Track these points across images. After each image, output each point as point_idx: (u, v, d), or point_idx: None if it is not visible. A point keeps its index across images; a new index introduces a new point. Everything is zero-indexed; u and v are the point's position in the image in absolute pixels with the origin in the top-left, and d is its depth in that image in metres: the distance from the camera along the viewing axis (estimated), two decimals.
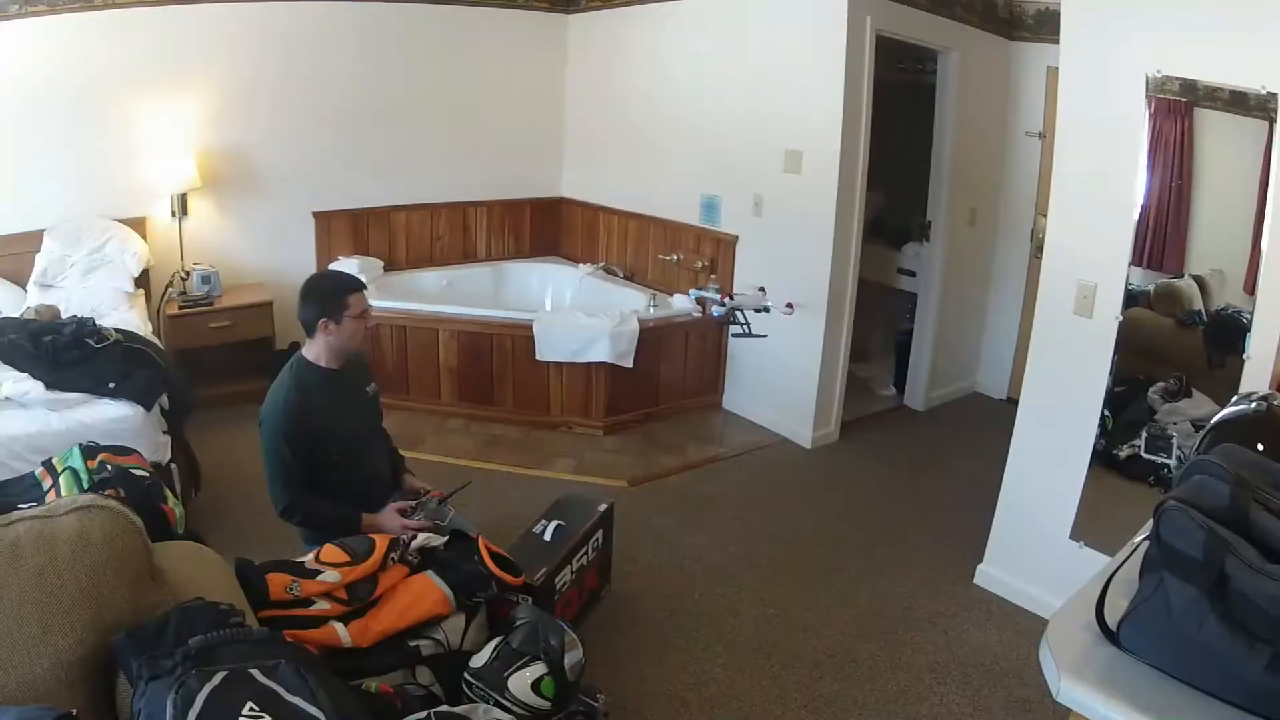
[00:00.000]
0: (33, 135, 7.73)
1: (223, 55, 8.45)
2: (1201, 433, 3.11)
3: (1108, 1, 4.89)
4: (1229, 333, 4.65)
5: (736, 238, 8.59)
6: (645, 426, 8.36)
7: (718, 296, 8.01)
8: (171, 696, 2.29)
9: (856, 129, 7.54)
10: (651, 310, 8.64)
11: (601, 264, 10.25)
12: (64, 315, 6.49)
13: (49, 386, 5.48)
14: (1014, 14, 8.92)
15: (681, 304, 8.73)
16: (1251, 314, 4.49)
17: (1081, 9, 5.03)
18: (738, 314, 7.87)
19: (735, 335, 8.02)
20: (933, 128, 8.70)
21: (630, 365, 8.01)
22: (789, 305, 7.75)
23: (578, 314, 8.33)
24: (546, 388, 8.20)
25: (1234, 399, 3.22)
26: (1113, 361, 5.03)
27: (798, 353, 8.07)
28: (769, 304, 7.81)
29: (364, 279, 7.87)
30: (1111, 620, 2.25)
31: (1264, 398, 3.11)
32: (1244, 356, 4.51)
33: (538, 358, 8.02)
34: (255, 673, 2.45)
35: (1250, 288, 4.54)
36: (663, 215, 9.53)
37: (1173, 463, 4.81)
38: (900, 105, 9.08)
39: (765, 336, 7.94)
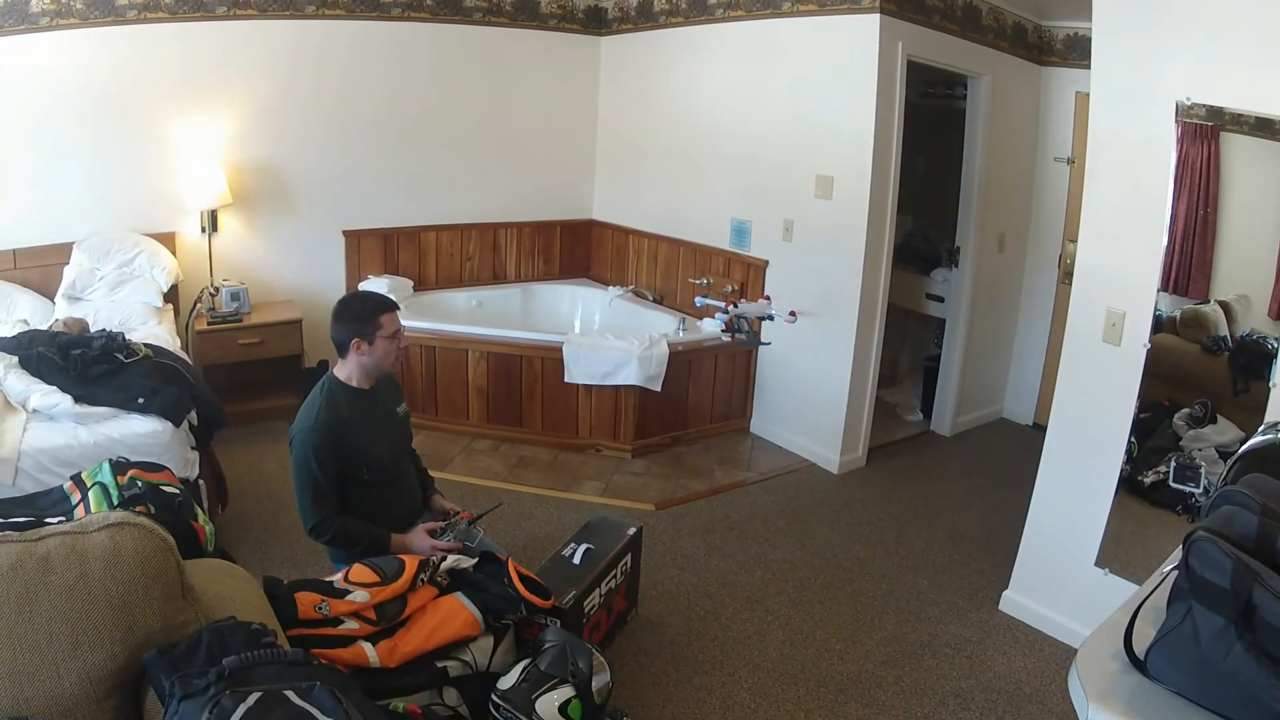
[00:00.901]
0: (63, 147, 7.78)
1: (254, 71, 8.51)
2: (1229, 462, 3.11)
3: (1139, 28, 4.89)
4: (1254, 359, 4.66)
5: (766, 262, 8.56)
6: (673, 450, 8.35)
7: (721, 304, 8.07)
8: (205, 716, 2.30)
9: (887, 154, 7.55)
10: (681, 334, 8.67)
11: (631, 286, 10.25)
12: (92, 328, 6.52)
13: (77, 400, 5.50)
14: (1043, 39, 8.95)
15: (710, 328, 8.71)
16: (1277, 340, 4.51)
17: (1113, 36, 5.04)
18: (741, 322, 7.94)
19: (740, 345, 8.08)
20: (962, 152, 8.70)
21: (659, 389, 8.02)
22: (792, 313, 7.80)
23: (607, 336, 8.30)
24: (575, 410, 8.20)
25: (1261, 428, 3.23)
26: (1140, 387, 5.03)
27: (826, 377, 8.07)
28: (773, 312, 7.88)
29: (394, 298, 7.98)
30: (1139, 649, 2.26)
31: None
32: (1270, 384, 4.50)
33: (567, 380, 8.04)
34: (290, 694, 2.46)
35: (1275, 313, 4.55)
36: (693, 239, 9.52)
37: (1199, 492, 4.80)
38: (929, 130, 9.15)
39: (769, 344, 8.07)
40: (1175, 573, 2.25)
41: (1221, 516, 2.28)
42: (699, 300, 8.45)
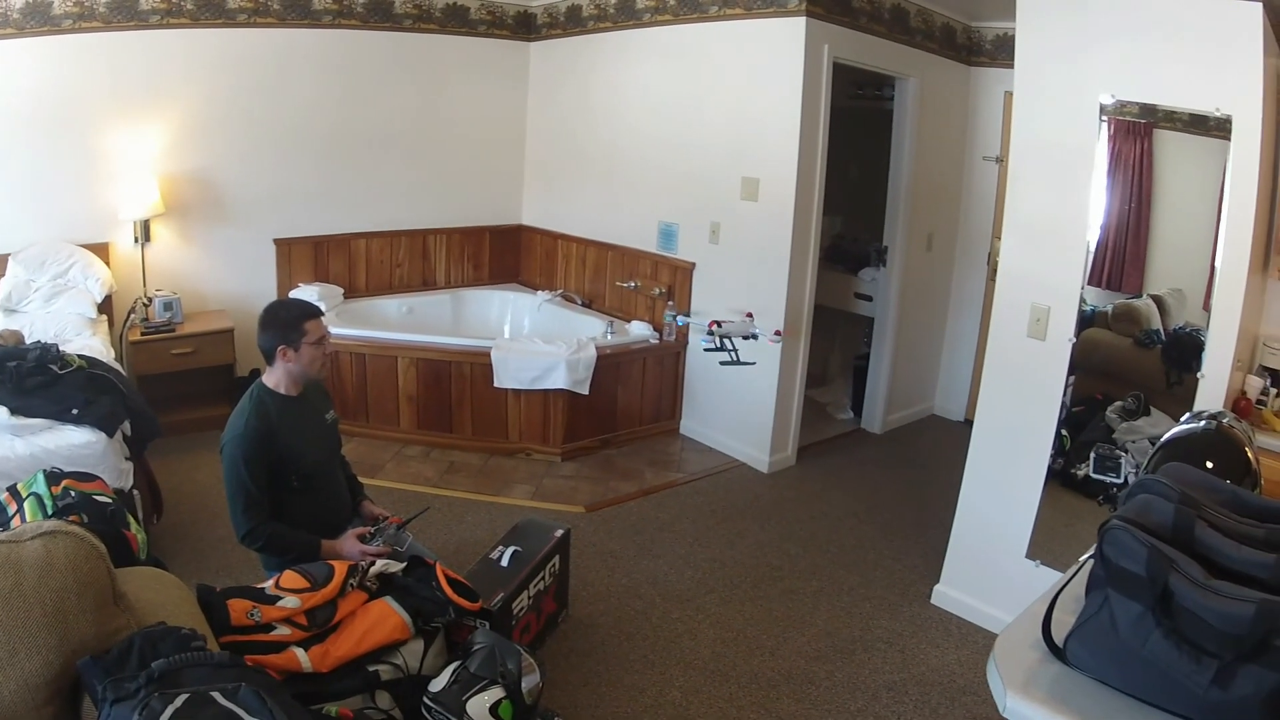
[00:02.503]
0: None
1: (187, 81, 8.47)
2: (1151, 451, 3.16)
3: (1061, 28, 4.96)
4: (1186, 351, 4.73)
5: (694, 265, 8.62)
6: (603, 452, 8.39)
7: (704, 324, 8.00)
8: (135, 718, 2.31)
9: (813, 156, 7.61)
10: (609, 337, 8.69)
11: (560, 291, 10.28)
12: (28, 340, 6.47)
13: (13, 412, 5.45)
14: (972, 39, 9.03)
15: (639, 330, 8.79)
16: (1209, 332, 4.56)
17: (1035, 35, 5.10)
18: (725, 341, 7.90)
19: (723, 364, 7.99)
20: (890, 153, 8.78)
21: (586, 392, 8.06)
22: (777, 333, 7.78)
23: (536, 341, 8.34)
24: (505, 414, 8.21)
25: (1184, 417, 3.28)
26: (1069, 382, 5.09)
27: (754, 378, 8.11)
28: (756, 331, 7.84)
29: (324, 306, 7.99)
30: (1059, 637, 2.29)
31: (1213, 416, 3.16)
32: (1199, 375, 4.57)
33: (496, 384, 8.04)
34: (216, 695, 2.47)
35: (1208, 305, 4.59)
36: (621, 242, 9.56)
37: (1122, 481, 4.85)
38: (858, 131, 9.22)
39: (754, 364, 7.97)
40: (1092, 562, 2.28)
41: (1138, 505, 2.31)
42: (680, 319, 8.50)
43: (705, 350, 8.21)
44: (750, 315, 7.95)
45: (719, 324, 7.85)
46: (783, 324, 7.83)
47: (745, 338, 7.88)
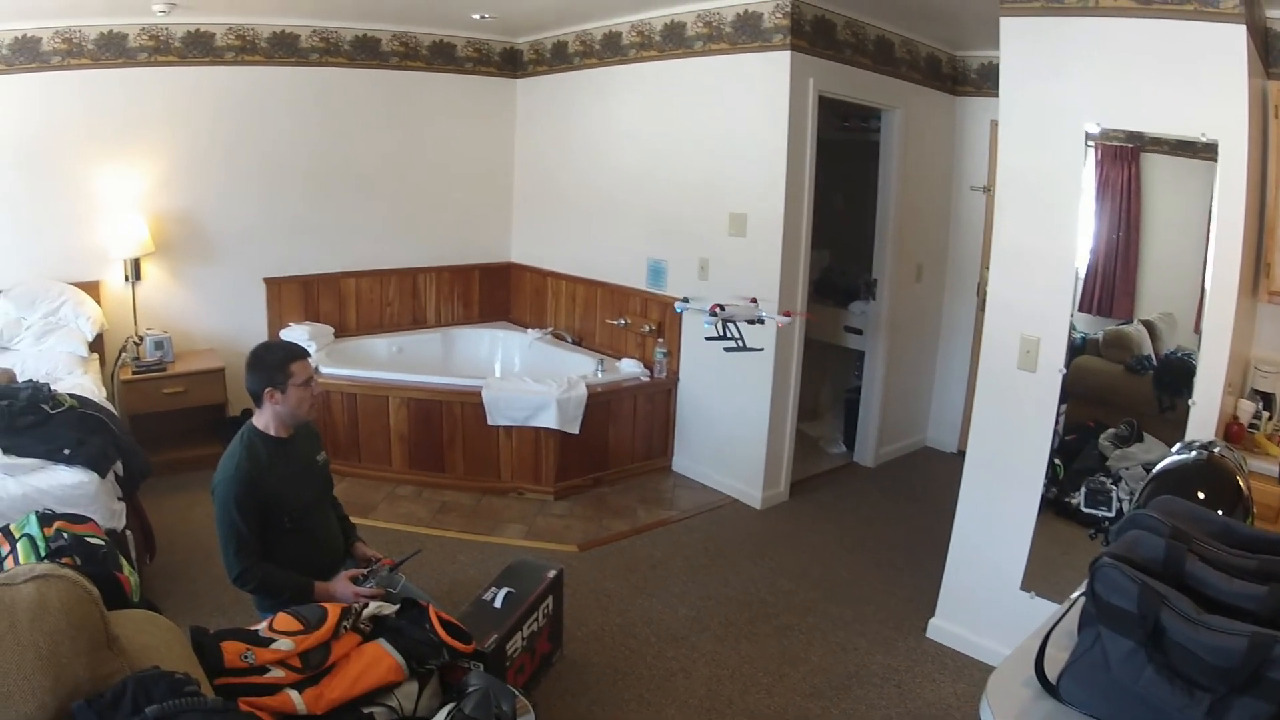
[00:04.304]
0: None
1: (175, 119, 8.51)
2: (1142, 484, 3.16)
3: (1044, 55, 4.99)
4: (1178, 376, 4.74)
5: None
6: (595, 491, 8.37)
7: (705, 308, 7.78)
8: None
9: (800, 190, 7.64)
10: (600, 375, 8.68)
11: (550, 329, 10.28)
12: (19, 378, 6.49)
13: (5, 451, 5.46)
14: (957, 69, 9.09)
15: (629, 368, 8.79)
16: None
17: (1018, 64, 5.13)
18: (730, 327, 7.78)
19: (728, 350, 7.82)
20: (878, 185, 8.80)
21: (577, 431, 8.06)
22: (786, 313, 7.68)
23: (526, 380, 8.35)
24: (496, 453, 8.20)
25: (1175, 448, 3.28)
26: (1060, 411, 5.09)
27: (746, 414, 8.13)
28: (763, 314, 7.72)
29: (314, 346, 8.01)
30: (1051, 674, 2.29)
31: (1204, 446, 3.17)
32: (1190, 401, 4.58)
33: (488, 423, 8.05)
34: None
35: (1199, 328, 4.61)
36: (611, 280, 9.56)
37: (1113, 514, 4.85)
38: (845, 163, 9.26)
39: (761, 350, 7.89)
40: (1084, 599, 2.28)
41: (1127, 541, 2.32)
42: (679, 306, 8.25)
43: (707, 339, 8.12)
44: (755, 300, 7.86)
45: (721, 307, 7.69)
46: (773, 359, 7.85)
47: (751, 322, 7.77)
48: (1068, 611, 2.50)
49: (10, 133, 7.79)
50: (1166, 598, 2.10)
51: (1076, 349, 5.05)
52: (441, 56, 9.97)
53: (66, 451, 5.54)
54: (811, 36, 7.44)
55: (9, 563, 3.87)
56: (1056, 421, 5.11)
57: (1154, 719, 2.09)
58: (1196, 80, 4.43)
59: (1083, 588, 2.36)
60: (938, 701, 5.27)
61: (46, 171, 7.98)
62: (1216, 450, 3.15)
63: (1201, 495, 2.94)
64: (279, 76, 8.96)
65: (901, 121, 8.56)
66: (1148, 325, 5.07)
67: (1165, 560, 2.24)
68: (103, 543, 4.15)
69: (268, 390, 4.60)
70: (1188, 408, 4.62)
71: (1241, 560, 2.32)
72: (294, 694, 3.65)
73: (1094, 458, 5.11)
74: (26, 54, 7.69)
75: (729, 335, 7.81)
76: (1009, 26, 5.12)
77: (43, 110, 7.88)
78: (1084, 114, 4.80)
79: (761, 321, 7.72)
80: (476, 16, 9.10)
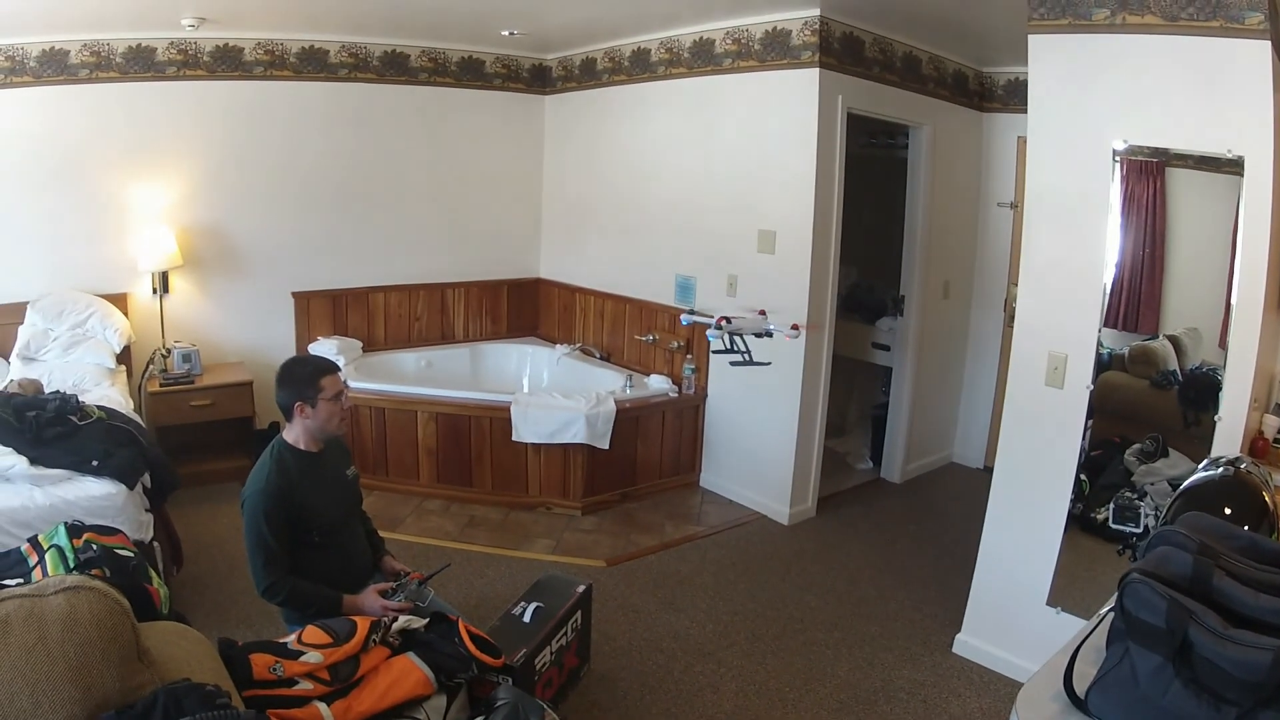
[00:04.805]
0: (17, 207, 7.84)
1: (203, 133, 8.56)
2: (1170, 500, 3.16)
3: (1072, 73, 4.98)
4: (1203, 391, 4.72)
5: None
6: (623, 506, 8.37)
7: (711, 319, 7.73)
8: None
9: (829, 207, 7.64)
10: (628, 391, 8.68)
11: (578, 344, 10.29)
12: (46, 389, 6.50)
13: (33, 462, 5.46)
14: (984, 85, 9.08)
15: (658, 384, 8.78)
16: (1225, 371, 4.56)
17: (1046, 80, 5.13)
18: (737, 340, 7.76)
19: (734, 364, 7.85)
20: (905, 201, 8.80)
21: (606, 446, 8.04)
22: (795, 327, 7.59)
23: (555, 395, 8.35)
24: (524, 469, 8.20)
25: (1202, 464, 3.28)
26: (1086, 427, 5.07)
27: (774, 430, 8.11)
28: (771, 327, 7.69)
29: (343, 360, 8.03)
30: (1080, 689, 2.29)
31: (1231, 462, 3.17)
32: (1215, 418, 4.57)
33: (515, 439, 8.03)
34: None
35: (1224, 344, 4.60)
36: (639, 296, 9.56)
37: (1141, 530, 4.83)
38: (872, 180, 9.23)
39: (769, 364, 7.88)
40: (1112, 614, 2.29)
41: (1156, 557, 2.32)
42: (684, 319, 8.34)
43: (714, 352, 8.17)
44: (764, 312, 7.85)
45: (728, 320, 7.65)
46: (801, 375, 7.83)
47: (759, 335, 7.75)
48: (1096, 627, 2.50)
49: (37, 144, 7.84)
50: (1194, 613, 2.10)
51: (1102, 365, 5.04)
52: (470, 72, 9.99)
53: (95, 463, 5.55)
54: (840, 54, 7.45)
55: (37, 574, 3.87)
56: (1083, 437, 5.11)
57: None
58: (1222, 96, 4.42)
59: (1111, 603, 2.36)
60: (963, 717, 5.26)
61: (73, 183, 8.03)
62: (1243, 466, 3.16)
63: (1228, 511, 2.95)
64: (308, 92, 9.00)
65: (929, 138, 8.56)
66: (1173, 340, 5.05)
67: (1193, 576, 2.24)
68: (132, 554, 4.15)
69: (298, 405, 4.62)
70: (1213, 423, 4.60)
71: (1268, 575, 2.32)
72: (322, 706, 3.66)
73: (1119, 473, 5.09)
74: (54, 66, 7.75)
75: (735, 349, 7.81)
76: (1037, 44, 5.12)
77: (70, 122, 7.93)
78: (1112, 130, 4.80)
79: (770, 334, 7.72)
80: (505, 33, 9.12)
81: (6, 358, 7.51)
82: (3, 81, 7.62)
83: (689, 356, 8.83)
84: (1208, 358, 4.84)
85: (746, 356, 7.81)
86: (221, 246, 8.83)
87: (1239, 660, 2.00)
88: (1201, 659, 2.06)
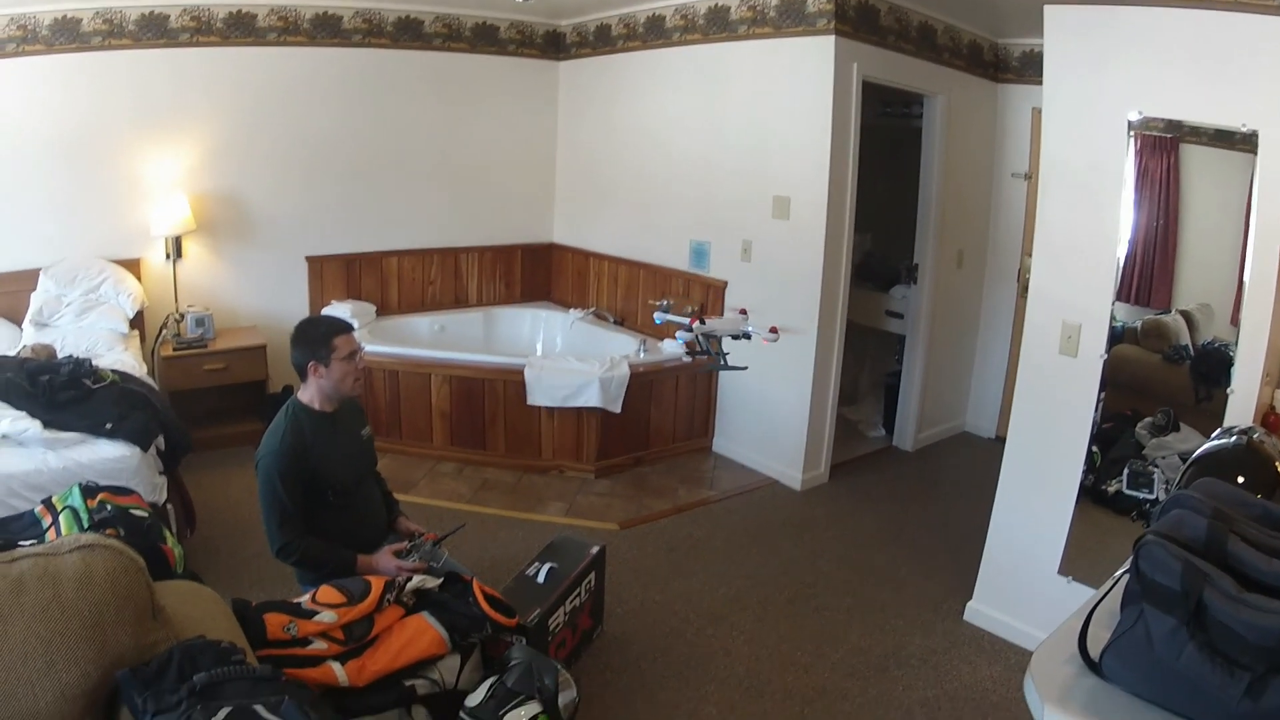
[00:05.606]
0: (30, 173, 7.84)
1: (216, 98, 8.56)
2: (1183, 467, 3.16)
3: (1088, 46, 4.96)
4: (1215, 367, 4.71)
5: (725, 283, 8.62)
6: (636, 470, 8.39)
7: (685, 320, 7.60)
8: None
9: (844, 174, 7.62)
10: (642, 355, 8.71)
11: (592, 309, 10.31)
12: (59, 354, 6.52)
13: (46, 425, 5.50)
14: (999, 56, 9.04)
15: (671, 349, 8.70)
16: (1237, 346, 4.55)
17: (1062, 53, 5.11)
18: (703, 341, 7.63)
19: (706, 369, 7.84)
20: (919, 170, 8.79)
21: (619, 410, 8.05)
22: (773, 330, 7.57)
23: (569, 359, 8.35)
24: (538, 432, 8.22)
25: (1215, 433, 3.28)
26: (1099, 398, 5.07)
27: (787, 396, 8.12)
28: (749, 329, 7.65)
29: (356, 323, 7.98)
30: (1094, 652, 2.30)
31: (1244, 431, 3.17)
32: (1228, 390, 4.56)
33: (529, 402, 8.05)
34: (260, 709, 2.48)
35: (1236, 320, 4.58)
36: (653, 261, 9.58)
37: (1155, 497, 4.84)
38: (887, 149, 9.20)
39: (744, 369, 7.89)
40: (1127, 577, 2.29)
41: (1171, 520, 2.32)
42: (658, 317, 8.22)
43: (685, 358, 8.17)
44: (744, 311, 7.84)
45: (701, 321, 7.54)
46: (815, 342, 7.83)
47: (736, 337, 7.69)
48: (1110, 590, 2.50)
49: (49, 112, 7.84)
50: (1209, 576, 2.10)
51: (1115, 338, 5.03)
52: (484, 38, 9.97)
53: (108, 426, 5.59)
54: (855, 21, 7.41)
55: (51, 535, 3.88)
56: (1095, 408, 5.11)
57: (1194, 696, 2.09)
58: (1237, 70, 4.40)
59: (1125, 566, 2.36)
60: (974, 684, 5.27)
61: (86, 150, 8.04)
62: (1255, 436, 3.16)
63: (1241, 480, 2.95)
64: (322, 57, 8.99)
65: (944, 108, 8.53)
66: (1185, 315, 5.05)
67: (1208, 540, 2.24)
68: (146, 514, 4.16)
69: (311, 364, 4.63)
70: (1224, 398, 4.59)
71: None
72: (336, 665, 3.68)
73: (1130, 446, 5.09)
74: (67, 34, 7.73)
75: (707, 351, 7.71)
76: (1053, 15, 5.11)
77: (82, 90, 7.94)
78: (1127, 103, 4.78)
79: (749, 337, 7.67)
80: None
81: (20, 324, 7.53)
82: (15, 50, 7.61)
83: (712, 317, 8.62)
84: (1220, 334, 4.83)
85: (722, 360, 7.74)
86: (235, 212, 8.84)
87: (1253, 625, 2.00)
88: (1216, 622, 2.06)
